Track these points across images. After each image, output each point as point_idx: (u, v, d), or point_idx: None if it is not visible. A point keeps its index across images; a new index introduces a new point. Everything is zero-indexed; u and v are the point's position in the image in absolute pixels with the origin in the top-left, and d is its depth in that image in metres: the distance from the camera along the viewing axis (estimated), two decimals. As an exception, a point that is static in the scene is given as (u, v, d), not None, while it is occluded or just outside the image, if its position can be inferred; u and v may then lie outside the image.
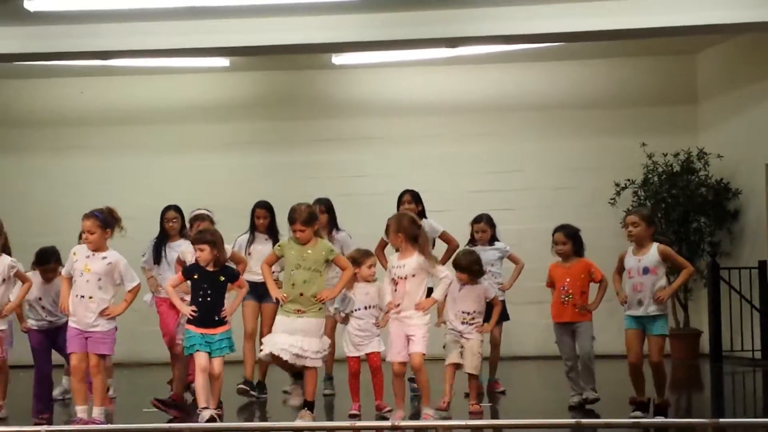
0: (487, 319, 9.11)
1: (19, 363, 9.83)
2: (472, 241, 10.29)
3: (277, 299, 8.40)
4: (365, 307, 8.80)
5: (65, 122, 14.29)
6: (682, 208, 13.02)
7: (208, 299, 8.30)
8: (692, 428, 7.73)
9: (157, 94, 14.31)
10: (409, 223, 8.47)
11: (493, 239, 10.34)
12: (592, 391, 9.12)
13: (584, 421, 7.71)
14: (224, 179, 13.86)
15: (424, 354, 8.33)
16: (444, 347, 9.09)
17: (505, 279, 10.35)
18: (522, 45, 12.50)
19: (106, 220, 8.28)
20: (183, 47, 11.33)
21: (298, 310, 8.27)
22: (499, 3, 10.77)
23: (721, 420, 7.51)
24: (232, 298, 8.64)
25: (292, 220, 8.37)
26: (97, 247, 8.26)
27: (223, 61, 13.49)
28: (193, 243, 8.56)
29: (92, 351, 8.22)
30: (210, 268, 8.35)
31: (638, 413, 8.35)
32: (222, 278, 8.39)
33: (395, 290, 8.39)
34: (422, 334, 8.33)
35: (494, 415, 8.98)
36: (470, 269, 8.94)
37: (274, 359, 8.37)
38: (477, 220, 10.37)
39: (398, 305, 8.37)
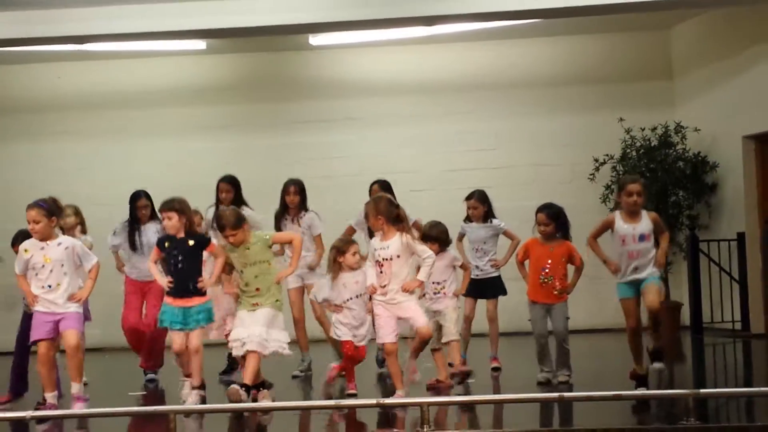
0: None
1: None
2: (468, 218, 10.23)
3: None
4: (357, 296, 8.75)
5: (42, 108, 14.20)
6: (660, 182, 13.08)
7: (180, 266, 8.28)
8: (674, 399, 7.83)
9: (135, 79, 14.24)
10: (386, 205, 8.45)
11: (487, 216, 10.22)
12: (565, 374, 9.08)
13: (567, 394, 7.80)
14: (203, 163, 13.79)
15: (428, 328, 8.49)
16: None
17: (500, 255, 10.26)
18: (498, 22, 12.50)
19: (51, 209, 8.21)
20: (159, 30, 11.29)
21: (255, 304, 8.36)
22: (475, -19, 10.78)
23: (701, 391, 7.60)
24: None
25: (221, 228, 8.44)
26: (45, 236, 8.18)
27: (200, 44, 13.43)
28: (160, 211, 8.53)
29: (67, 328, 8.15)
30: (180, 235, 8.34)
31: (643, 389, 8.34)
32: (191, 243, 8.34)
33: (381, 272, 8.37)
34: (420, 312, 8.44)
35: (476, 390, 9.02)
36: (438, 238, 9.03)
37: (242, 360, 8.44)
38: (468, 197, 10.27)
39: (384, 287, 8.34)
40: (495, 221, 10.25)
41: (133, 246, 10.25)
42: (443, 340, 9.19)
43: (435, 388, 8.95)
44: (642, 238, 8.39)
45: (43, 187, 13.10)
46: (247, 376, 8.27)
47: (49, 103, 14.21)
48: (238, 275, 8.46)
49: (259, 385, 8.43)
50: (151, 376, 10.19)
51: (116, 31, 11.24)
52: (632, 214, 8.45)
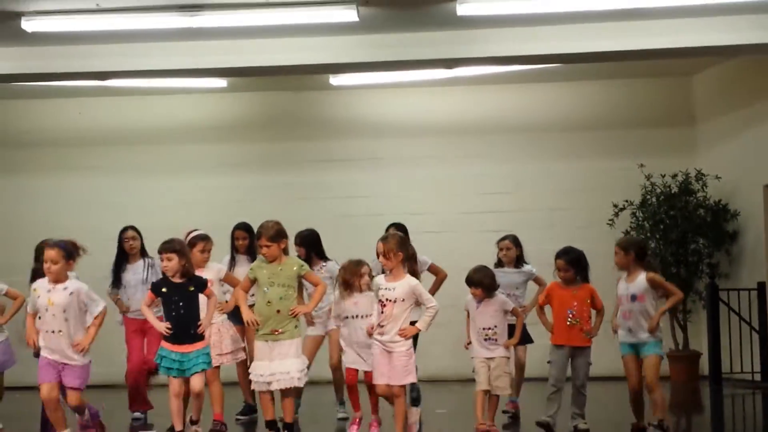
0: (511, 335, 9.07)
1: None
2: (499, 263, 10.06)
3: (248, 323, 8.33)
4: (353, 317, 8.70)
5: (64, 143, 14.27)
6: (680, 229, 13.00)
7: (182, 311, 8.15)
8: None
9: (155, 115, 14.31)
10: (404, 243, 8.42)
11: (520, 261, 10.11)
12: (581, 419, 8.90)
13: (583, 444, 7.66)
14: (221, 200, 13.82)
15: (403, 386, 8.31)
16: (473, 371, 8.99)
17: (527, 300, 10.07)
18: (519, 66, 12.50)
19: (70, 252, 8.11)
20: (181, 68, 11.31)
21: (275, 330, 8.22)
22: (496, 24, 10.76)
23: (720, 443, 7.49)
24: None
25: (258, 236, 8.39)
26: (58, 278, 8.04)
27: (221, 82, 13.49)
28: (160, 252, 8.35)
29: (67, 384, 8.04)
30: (177, 280, 8.22)
31: None
32: (192, 288, 8.24)
33: (382, 312, 8.27)
34: (404, 364, 8.25)
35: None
36: (482, 283, 8.81)
37: (263, 395, 8.38)
38: (502, 238, 10.17)
39: (382, 327, 8.25)
40: (527, 266, 10.11)
41: (118, 283, 10.12)
42: (493, 392, 8.98)
43: None
44: (633, 298, 8.41)
45: (61, 222, 13.27)
46: (288, 414, 8.32)
47: (70, 138, 14.28)
48: (262, 294, 8.30)
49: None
50: (137, 414, 10.01)
51: (138, 68, 11.28)
52: (630, 273, 8.53)
